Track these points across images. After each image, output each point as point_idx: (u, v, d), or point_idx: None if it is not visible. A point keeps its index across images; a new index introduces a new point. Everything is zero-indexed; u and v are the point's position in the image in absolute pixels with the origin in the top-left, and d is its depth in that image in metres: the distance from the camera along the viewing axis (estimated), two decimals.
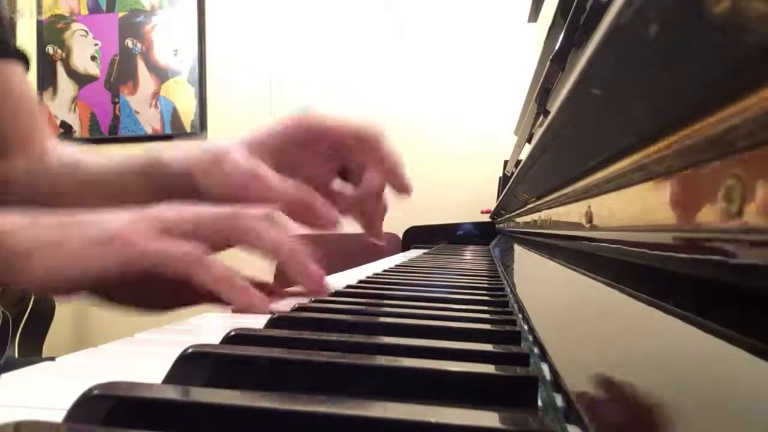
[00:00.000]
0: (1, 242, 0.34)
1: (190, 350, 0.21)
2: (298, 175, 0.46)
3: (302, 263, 0.39)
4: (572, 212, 0.36)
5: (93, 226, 0.35)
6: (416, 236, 1.60)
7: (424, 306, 0.38)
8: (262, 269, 0.47)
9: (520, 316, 0.36)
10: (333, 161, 0.48)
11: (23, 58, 0.56)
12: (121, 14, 2.38)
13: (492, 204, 1.59)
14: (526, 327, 0.33)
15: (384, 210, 0.50)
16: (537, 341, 0.27)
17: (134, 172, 0.49)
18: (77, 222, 0.35)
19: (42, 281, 0.34)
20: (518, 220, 0.87)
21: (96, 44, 2.40)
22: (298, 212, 0.43)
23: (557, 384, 0.20)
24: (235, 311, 0.37)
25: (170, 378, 0.21)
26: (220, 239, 0.37)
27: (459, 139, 2.11)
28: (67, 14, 2.41)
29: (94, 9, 2.40)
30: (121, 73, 2.38)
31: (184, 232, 0.36)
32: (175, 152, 0.48)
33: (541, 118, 0.61)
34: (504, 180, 1.36)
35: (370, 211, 0.49)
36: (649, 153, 0.19)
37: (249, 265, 0.42)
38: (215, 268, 0.36)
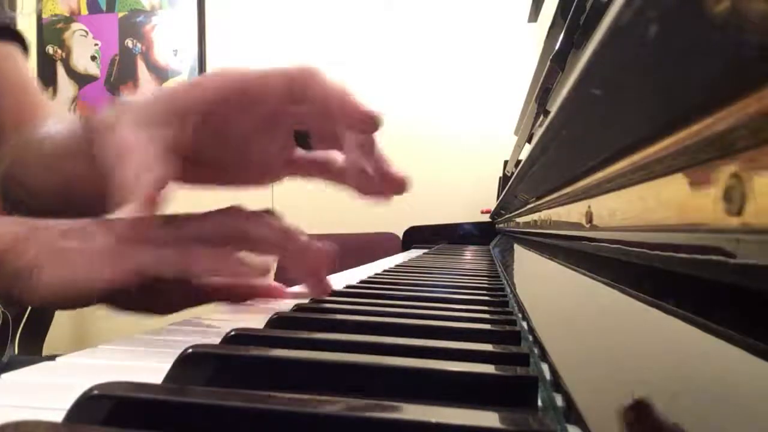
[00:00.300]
0: (3, 261, 0.32)
1: (190, 350, 0.22)
2: (232, 148, 0.38)
3: (311, 265, 0.38)
4: (572, 212, 0.36)
5: (95, 235, 0.33)
6: (416, 236, 1.60)
7: (424, 306, 0.38)
8: None
9: (520, 316, 0.36)
10: (281, 126, 0.39)
11: (14, 38, 0.52)
12: (121, 14, 2.38)
13: (492, 204, 1.59)
14: (526, 327, 0.33)
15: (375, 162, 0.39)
16: (537, 341, 0.27)
17: (72, 151, 0.41)
18: (77, 231, 0.34)
19: (48, 297, 0.33)
20: (518, 220, 0.87)
21: (96, 44, 2.40)
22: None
23: (557, 384, 0.20)
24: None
25: (170, 378, 0.21)
26: (224, 243, 0.35)
27: (459, 139, 2.11)
28: (67, 14, 2.41)
29: (94, 9, 2.40)
30: (121, 73, 2.38)
31: (187, 236, 0.34)
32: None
33: (541, 118, 0.61)
34: (504, 180, 1.36)
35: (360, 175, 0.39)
36: (649, 153, 0.19)
37: None
38: (226, 263, 0.34)
